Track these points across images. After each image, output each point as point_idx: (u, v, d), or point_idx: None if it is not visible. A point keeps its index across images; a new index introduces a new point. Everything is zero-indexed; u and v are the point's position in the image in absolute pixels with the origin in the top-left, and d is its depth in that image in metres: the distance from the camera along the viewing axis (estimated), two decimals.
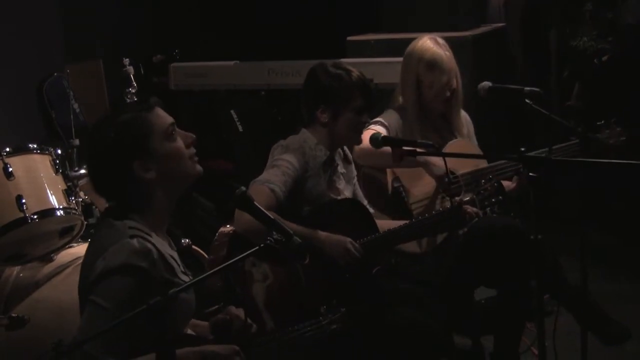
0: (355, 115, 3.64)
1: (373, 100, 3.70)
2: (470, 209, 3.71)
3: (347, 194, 3.79)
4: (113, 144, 2.68)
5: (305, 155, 3.61)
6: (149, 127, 2.70)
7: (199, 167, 2.78)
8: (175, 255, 2.81)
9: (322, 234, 3.50)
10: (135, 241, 2.59)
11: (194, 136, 2.79)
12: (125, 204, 2.73)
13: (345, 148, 3.87)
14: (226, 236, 3.54)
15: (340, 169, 3.80)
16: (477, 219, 3.75)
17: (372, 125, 4.03)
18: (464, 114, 4.28)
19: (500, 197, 3.80)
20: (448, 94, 4.08)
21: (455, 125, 4.20)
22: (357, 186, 3.92)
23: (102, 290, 2.55)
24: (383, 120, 4.08)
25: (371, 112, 3.74)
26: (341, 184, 3.77)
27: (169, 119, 2.75)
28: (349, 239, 3.51)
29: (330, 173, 3.72)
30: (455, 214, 3.67)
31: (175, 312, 2.68)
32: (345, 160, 3.86)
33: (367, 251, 3.55)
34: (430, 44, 4.10)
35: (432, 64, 4.05)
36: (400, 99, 4.18)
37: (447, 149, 4.04)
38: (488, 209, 3.82)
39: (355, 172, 3.92)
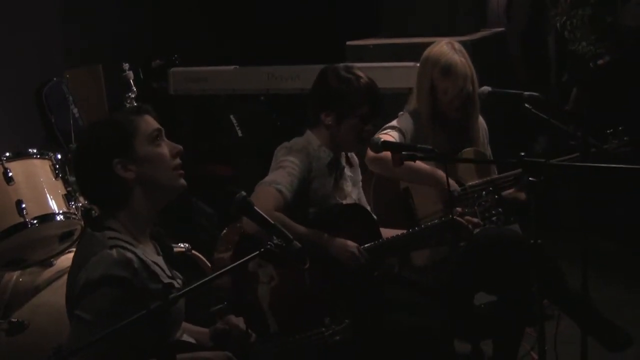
0: (360, 123, 3.61)
1: (381, 109, 3.68)
2: (471, 219, 3.71)
3: (354, 196, 3.78)
4: (96, 140, 2.73)
5: (309, 156, 3.60)
6: (134, 128, 2.73)
7: (182, 181, 2.78)
8: (160, 260, 2.81)
9: (329, 237, 3.50)
10: (114, 251, 2.60)
11: (181, 147, 2.80)
12: (104, 203, 2.77)
13: (353, 154, 3.85)
14: (235, 236, 3.53)
15: (347, 171, 3.79)
16: (477, 229, 3.75)
17: (389, 130, 4.01)
18: (481, 121, 4.22)
19: (500, 209, 3.79)
20: (460, 101, 4.03)
21: (472, 133, 4.14)
22: (362, 191, 3.92)
23: (84, 303, 2.56)
24: (399, 126, 4.04)
25: (377, 121, 3.71)
26: (348, 186, 3.76)
27: (156, 125, 2.78)
28: (355, 244, 3.51)
29: (336, 175, 3.71)
30: (454, 224, 3.67)
31: (168, 319, 2.68)
32: (350, 163, 3.85)
33: (371, 256, 3.55)
34: (446, 49, 4.06)
35: (447, 70, 4.00)
36: (415, 103, 4.15)
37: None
38: (488, 220, 3.81)
39: (360, 177, 3.90)
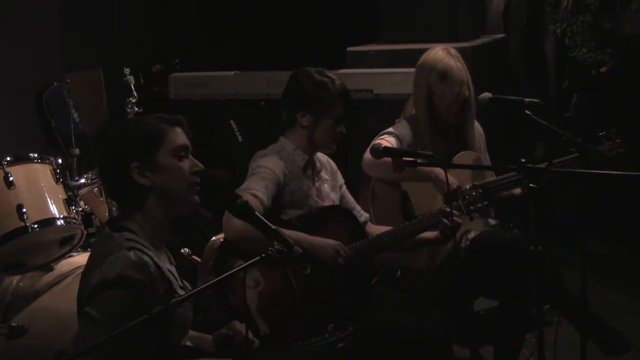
0: (334, 123, 3.66)
1: (351, 111, 3.71)
2: (457, 220, 3.71)
3: (333, 197, 3.80)
4: (120, 138, 2.73)
5: (282, 159, 3.64)
6: (161, 138, 2.73)
7: (195, 198, 2.79)
8: (174, 269, 2.81)
9: (311, 237, 3.50)
10: (132, 253, 2.60)
11: (202, 167, 2.80)
12: (119, 201, 2.79)
13: (329, 160, 3.87)
14: (215, 245, 3.54)
15: (324, 174, 3.81)
16: (456, 226, 3.76)
17: (385, 136, 4.02)
18: (477, 126, 4.25)
19: (486, 202, 3.81)
20: (458, 107, 4.04)
21: (469, 138, 4.16)
22: (347, 193, 3.92)
23: (96, 302, 2.55)
24: (396, 132, 4.06)
25: (347, 122, 3.73)
26: (327, 188, 3.80)
27: (183, 141, 2.78)
28: (338, 242, 3.52)
29: (313, 176, 3.74)
30: (437, 219, 3.69)
31: (172, 324, 2.69)
32: (329, 167, 3.87)
33: (356, 255, 3.56)
34: (442, 54, 4.07)
35: (443, 75, 4.02)
36: (412, 109, 4.17)
37: (455, 162, 4.03)
38: (474, 214, 3.83)
39: (342, 181, 3.91)
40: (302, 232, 3.50)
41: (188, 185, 2.77)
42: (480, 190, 3.81)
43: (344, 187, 3.92)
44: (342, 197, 3.89)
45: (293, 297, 3.43)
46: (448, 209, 3.69)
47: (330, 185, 3.82)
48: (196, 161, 2.80)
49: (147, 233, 2.72)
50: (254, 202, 3.43)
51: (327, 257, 3.49)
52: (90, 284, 2.58)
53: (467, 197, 3.79)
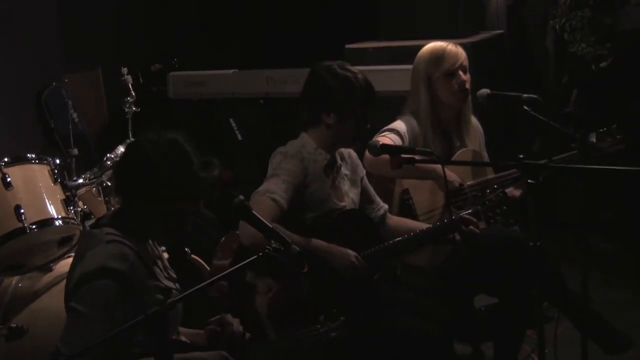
0: (359, 120, 3.59)
1: (375, 106, 3.66)
2: (474, 229, 3.69)
3: (352, 195, 3.74)
4: (164, 154, 2.73)
5: (304, 161, 3.57)
6: (197, 195, 2.77)
7: (174, 239, 2.93)
8: (159, 260, 2.85)
9: (327, 245, 3.48)
10: (111, 246, 2.63)
11: (189, 230, 2.83)
12: (122, 196, 2.82)
13: (351, 152, 3.82)
14: (234, 244, 3.51)
15: (344, 170, 3.76)
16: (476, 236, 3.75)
17: (387, 133, 3.99)
18: (476, 123, 4.23)
19: (505, 207, 3.79)
20: (462, 82, 4.00)
21: (467, 134, 4.14)
22: (367, 185, 3.86)
23: (80, 295, 2.59)
24: (398, 129, 4.03)
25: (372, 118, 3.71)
26: (345, 185, 3.73)
27: (199, 202, 2.81)
28: (353, 252, 3.49)
29: (333, 176, 3.69)
30: (456, 226, 3.67)
31: (167, 322, 2.69)
32: (350, 160, 3.81)
33: (370, 262, 3.54)
34: (432, 44, 4.11)
35: (440, 55, 4.02)
36: (412, 105, 4.14)
37: (455, 159, 4.02)
38: (492, 220, 3.80)
39: (363, 172, 3.85)
40: (320, 239, 3.48)
41: (178, 233, 2.82)
42: (500, 195, 3.78)
43: (365, 179, 3.86)
44: (362, 190, 3.83)
45: (303, 304, 3.41)
46: (467, 216, 3.68)
47: (350, 180, 3.76)
48: (191, 218, 2.82)
49: (127, 230, 2.74)
50: (272, 207, 3.40)
51: (343, 267, 3.47)
52: (73, 279, 2.61)
53: (487, 202, 3.77)
